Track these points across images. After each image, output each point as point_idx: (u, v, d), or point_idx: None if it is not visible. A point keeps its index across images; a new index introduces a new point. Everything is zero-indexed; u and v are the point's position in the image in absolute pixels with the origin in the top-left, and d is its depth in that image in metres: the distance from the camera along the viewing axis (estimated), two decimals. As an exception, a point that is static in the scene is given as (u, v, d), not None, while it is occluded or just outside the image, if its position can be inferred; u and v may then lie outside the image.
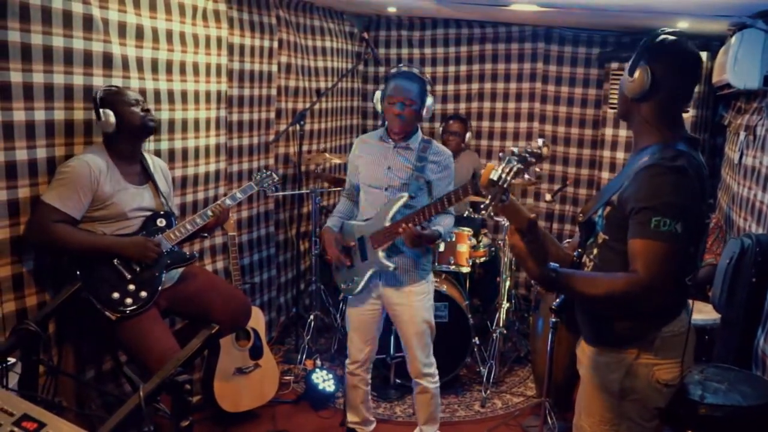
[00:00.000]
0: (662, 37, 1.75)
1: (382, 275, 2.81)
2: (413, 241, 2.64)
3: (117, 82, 2.85)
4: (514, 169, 1.61)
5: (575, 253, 1.94)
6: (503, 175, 1.60)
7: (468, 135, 4.74)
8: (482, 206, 1.61)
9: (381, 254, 2.74)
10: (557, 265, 1.64)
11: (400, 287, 2.82)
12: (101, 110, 2.57)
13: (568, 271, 1.69)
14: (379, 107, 2.83)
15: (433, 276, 2.98)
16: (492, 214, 1.60)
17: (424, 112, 2.78)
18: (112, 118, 2.56)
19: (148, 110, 2.67)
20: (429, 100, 2.78)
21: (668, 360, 1.77)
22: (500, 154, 1.69)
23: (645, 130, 1.79)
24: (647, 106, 1.77)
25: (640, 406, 1.81)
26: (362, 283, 2.81)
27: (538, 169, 3.70)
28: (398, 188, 2.76)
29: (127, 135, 2.63)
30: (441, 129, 4.72)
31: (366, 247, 2.79)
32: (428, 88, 2.79)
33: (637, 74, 1.73)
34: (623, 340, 1.79)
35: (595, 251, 1.86)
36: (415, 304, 2.84)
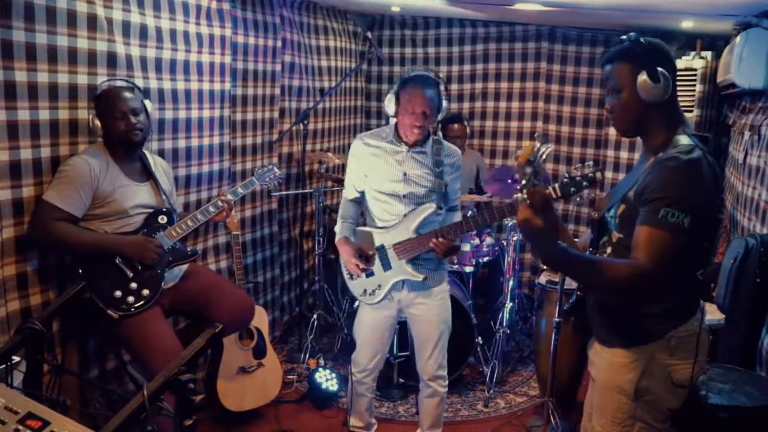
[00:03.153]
0: (652, 40, 1.78)
1: (407, 282, 2.73)
2: (446, 253, 2.59)
3: (121, 82, 2.85)
4: (548, 150, 1.60)
5: (587, 253, 1.94)
6: (538, 155, 1.58)
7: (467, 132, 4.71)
8: (519, 186, 1.59)
9: (407, 265, 2.67)
10: (566, 246, 1.64)
11: (424, 290, 2.76)
12: (91, 116, 2.60)
13: (576, 253, 1.69)
14: (391, 110, 2.65)
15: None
16: (526, 196, 1.55)
17: (439, 116, 2.69)
18: (98, 124, 2.59)
19: (134, 124, 2.60)
20: (445, 104, 2.67)
21: (684, 360, 1.78)
22: (536, 134, 1.69)
23: (658, 131, 1.80)
24: (662, 108, 1.78)
25: (654, 407, 1.81)
26: (384, 292, 2.73)
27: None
28: (419, 196, 2.67)
29: (115, 141, 2.63)
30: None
31: (388, 256, 2.70)
32: (443, 89, 2.66)
33: (662, 77, 1.73)
34: (640, 339, 1.79)
35: (609, 250, 1.86)
36: (437, 303, 2.80)
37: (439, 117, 2.68)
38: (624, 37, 1.80)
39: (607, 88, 1.84)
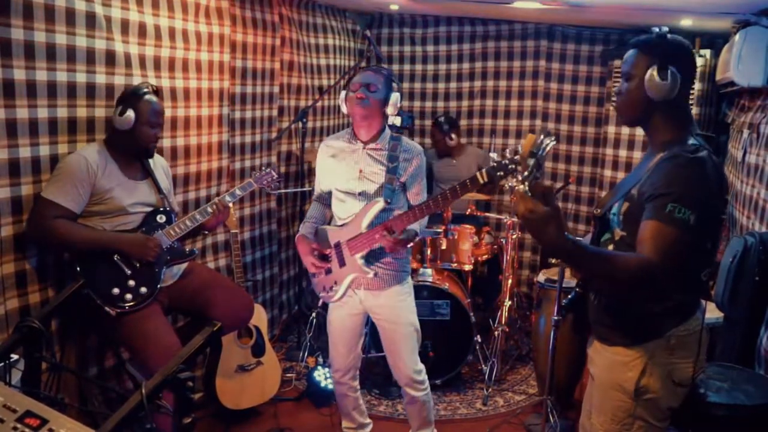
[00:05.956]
0: (671, 36, 1.78)
1: (363, 279, 2.73)
2: (392, 248, 2.57)
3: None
4: (551, 143, 1.60)
5: None
6: (542, 148, 1.57)
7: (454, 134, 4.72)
8: (521, 178, 1.56)
9: (359, 260, 2.66)
10: (573, 236, 1.64)
11: (381, 290, 2.75)
12: (128, 109, 2.57)
13: (584, 243, 1.69)
14: (344, 108, 2.68)
15: (411, 278, 2.88)
16: (527, 188, 1.52)
17: (390, 108, 2.65)
18: (132, 118, 2.57)
19: (158, 138, 2.71)
20: (395, 95, 2.64)
21: (683, 359, 1.78)
22: (539, 128, 1.68)
23: (663, 128, 1.81)
24: (668, 105, 1.78)
25: (654, 406, 1.81)
26: (342, 290, 2.74)
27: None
28: (372, 193, 2.67)
29: (130, 142, 2.64)
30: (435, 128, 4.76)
31: (343, 253, 2.70)
32: (394, 83, 2.68)
33: (670, 76, 1.73)
34: (640, 337, 1.79)
35: (611, 248, 1.86)
36: (399, 305, 2.77)
37: (391, 110, 2.65)
38: (655, 29, 1.80)
39: (622, 72, 1.87)
